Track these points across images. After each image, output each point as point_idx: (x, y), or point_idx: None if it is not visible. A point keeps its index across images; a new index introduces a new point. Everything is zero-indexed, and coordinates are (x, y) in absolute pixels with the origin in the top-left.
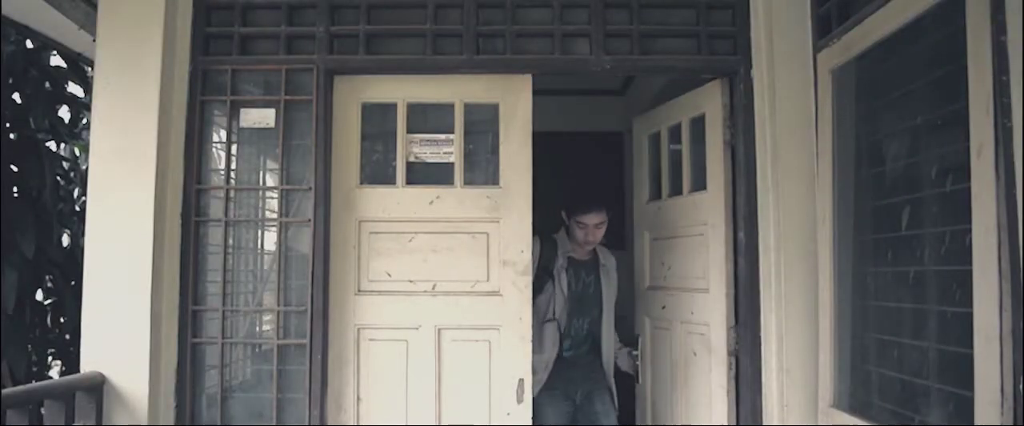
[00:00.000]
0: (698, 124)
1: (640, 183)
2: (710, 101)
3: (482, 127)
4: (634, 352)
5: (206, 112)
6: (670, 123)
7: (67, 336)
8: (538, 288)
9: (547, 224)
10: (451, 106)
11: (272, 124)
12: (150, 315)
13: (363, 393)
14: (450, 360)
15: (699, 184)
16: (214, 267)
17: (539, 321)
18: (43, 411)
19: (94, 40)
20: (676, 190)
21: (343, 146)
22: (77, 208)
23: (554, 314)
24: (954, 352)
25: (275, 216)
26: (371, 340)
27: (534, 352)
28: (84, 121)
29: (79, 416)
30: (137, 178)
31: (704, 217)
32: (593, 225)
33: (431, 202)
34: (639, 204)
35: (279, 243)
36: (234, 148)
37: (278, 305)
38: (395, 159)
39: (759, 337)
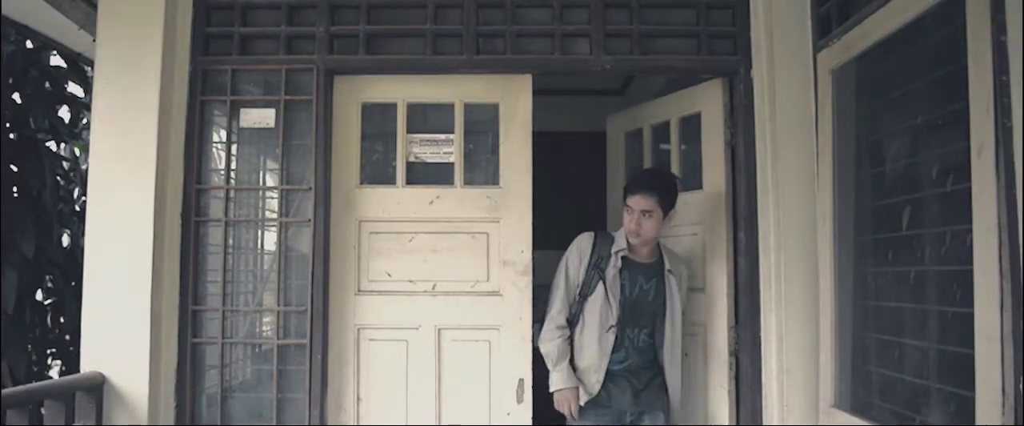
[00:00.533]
0: (688, 123)
1: (615, 181)
2: (707, 100)
3: (482, 127)
4: None
5: (206, 112)
6: (654, 121)
7: (67, 336)
8: (588, 288)
9: (544, 225)
10: (451, 106)
11: (272, 124)
12: (150, 315)
13: (363, 393)
14: (450, 360)
15: (691, 183)
16: (214, 267)
17: (599, 327)
18: (43, 411)
19: (94, 40)
20: None
21: (343, 146)
22: (77, 208)
23: (611, 321)
24: (955, 352)
25: (275, 216)
26: (371, 340)
27: (581, 360)
28: (84, 121)
29: (79, 416)
30: (137, 178)
31: (699, 216)
32: (639, 210)
33: (431, 202)
34: (615, 203)
35: (279, 243)
36: (234, 148)
37: (278, 305)
38: (395, 159)
39: (759, 337)
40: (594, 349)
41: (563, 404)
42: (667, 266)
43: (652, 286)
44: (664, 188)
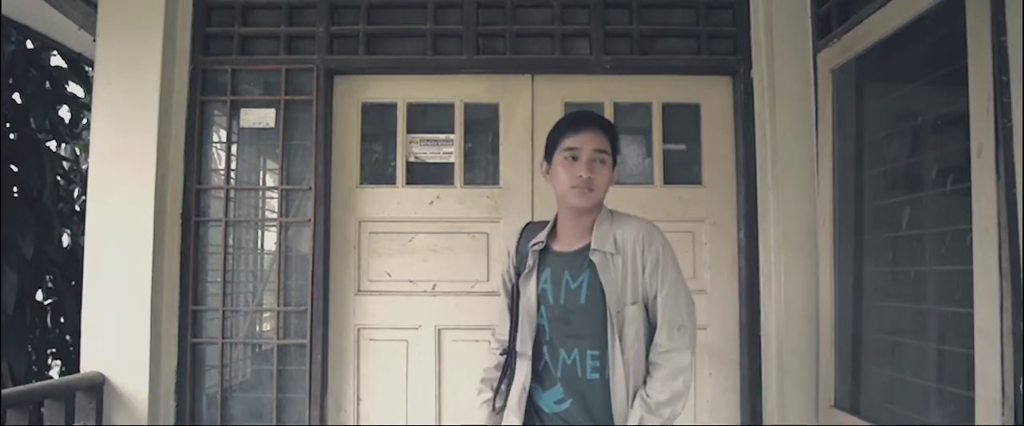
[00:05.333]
0: (678, 111)
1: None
2: (708, 93)
3: (482, 127)
4: None
5: (206, 112)
6: (620, 98)
7: (67, 336)
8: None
9: None
10: (451, 106)
11: (272, 124)
12: (150, 315)
13: (363, 393)
14: (450, 360)
15: (680, 177)
16: (214, 267)
17: (520, 353)
18: (43, 411)
19: (94, 40)
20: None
21: (343, 146)
22: (77, 208)
23: (515, 343)
24: (954, 352)
25: (275, 216)
26: (371, 340)
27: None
28: (84, 121)
29: (79, 416)
30: (137, 178)
31: (696, 213)
32: (592, 150)
33: (431, 202)
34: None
35: (279, 243)
36: (234, 148)
37: (278, 305)
38: (395, 159)
39: (759, 337)
40: (516, 383)
41: None
42: (593, 246)
43: (583, 281)
44: (613, 129)
